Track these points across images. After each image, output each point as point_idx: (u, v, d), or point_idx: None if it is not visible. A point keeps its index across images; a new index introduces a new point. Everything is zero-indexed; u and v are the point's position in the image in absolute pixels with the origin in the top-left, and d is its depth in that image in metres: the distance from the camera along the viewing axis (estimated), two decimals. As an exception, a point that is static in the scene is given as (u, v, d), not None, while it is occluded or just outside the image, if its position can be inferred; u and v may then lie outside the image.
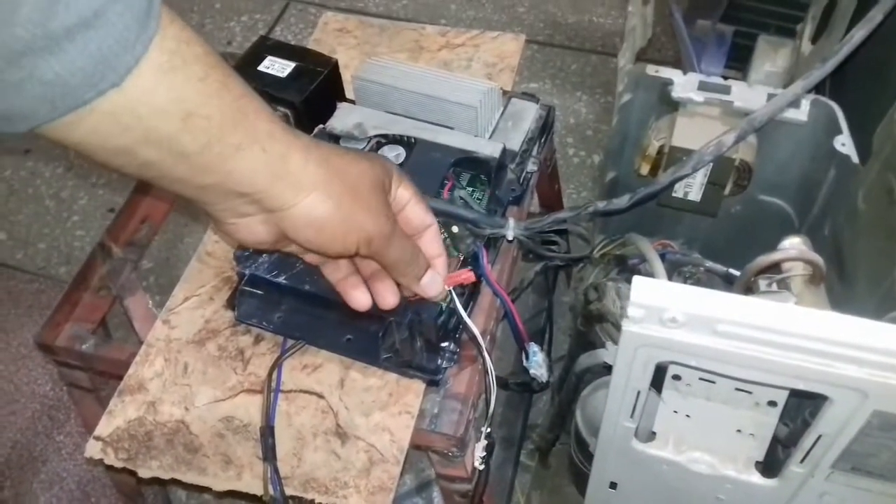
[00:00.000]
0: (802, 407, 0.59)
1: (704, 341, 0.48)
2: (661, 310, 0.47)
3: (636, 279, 0.47)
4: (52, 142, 0.38)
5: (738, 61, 1.06)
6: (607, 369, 0.69)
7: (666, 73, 0.77)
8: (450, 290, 0.65)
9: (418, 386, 0.65)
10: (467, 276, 0.64)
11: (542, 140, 0.81)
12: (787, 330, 0.45)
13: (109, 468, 0.64)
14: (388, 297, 0.59)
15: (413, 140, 0.74)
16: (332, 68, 0.77)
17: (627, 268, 0.81)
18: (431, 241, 0.59)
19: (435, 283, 0.59)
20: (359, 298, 0.59)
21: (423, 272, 0.58)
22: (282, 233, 0.48)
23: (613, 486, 0.68)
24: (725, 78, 0.77)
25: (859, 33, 0.68)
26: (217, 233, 0.74)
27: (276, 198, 0.44)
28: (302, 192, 0.45)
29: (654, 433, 0.62)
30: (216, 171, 0.42)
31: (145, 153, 0.39)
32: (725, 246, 0.85)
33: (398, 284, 0.59)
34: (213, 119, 0.40)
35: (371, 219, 0.49)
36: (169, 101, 0.38)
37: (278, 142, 0.43)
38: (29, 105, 0.35)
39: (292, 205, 0.45)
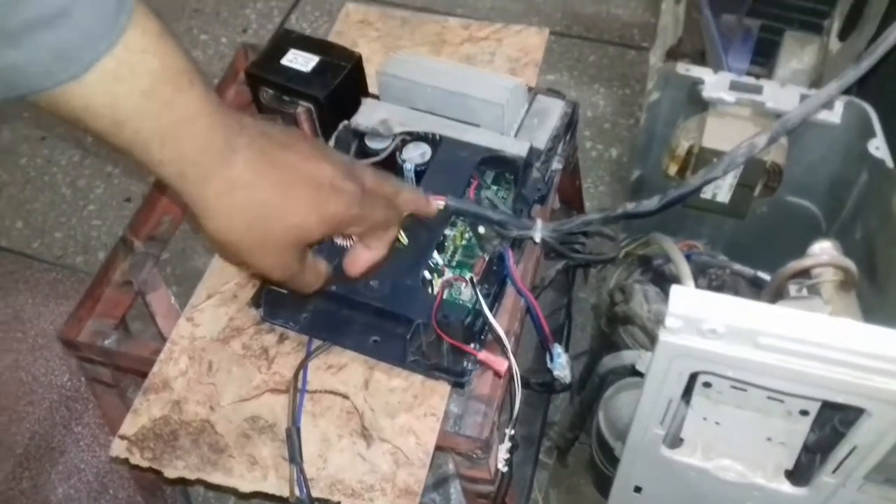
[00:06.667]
0: (832, 414, 0.58)
1: (744, 353, 0.47)
2: (699, 321, 0.46)
3: (674, 289, 0.47)
4: None
5: (763, 56, 1.05)
6: (632, 371, 0.69)
7: (696, 71, 0.75)
8: (476, 291, 0.64)
9: (443, 388, 0.64)
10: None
11: (567, 138, 0.80)
12: (830, 343, 0.45)
13: (134, 467, 0.64)
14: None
15: (439, 138, 0.73)
16: (356, 63, 0.76)
17: (651, 268, 0.80)
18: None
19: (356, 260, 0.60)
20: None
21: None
22: None
23: (638, 489, 0.67)
24: (757, 76, 0.76)
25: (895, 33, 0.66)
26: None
27: (190, 209, 0.46)
28: (211, 221, 0.47)
29: (681, 439, 0.62)
30: (147, 166, 0.44)
31: (86, 129, 0.42)
32: (750, 246, 0.83)
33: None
34: (141, 133, 0.42)
35: (267, 269, 0.52)
36: (103, 106, 0.40)
37: (201, 169, 0.44)
38: None
39: (201, 224, 0.47)
